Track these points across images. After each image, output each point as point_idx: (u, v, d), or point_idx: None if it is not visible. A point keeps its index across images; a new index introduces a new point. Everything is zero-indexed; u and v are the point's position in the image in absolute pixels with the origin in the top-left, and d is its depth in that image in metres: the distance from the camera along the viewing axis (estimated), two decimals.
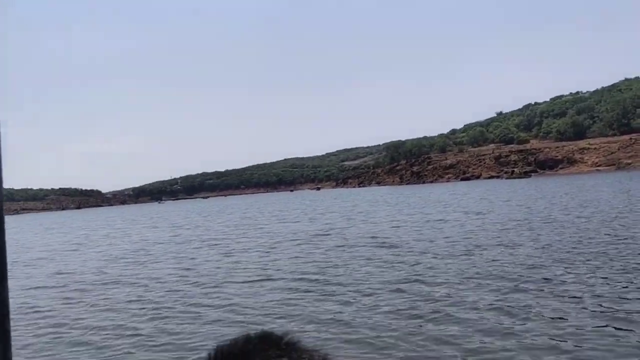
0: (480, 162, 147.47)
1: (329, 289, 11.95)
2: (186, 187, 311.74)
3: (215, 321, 9.88)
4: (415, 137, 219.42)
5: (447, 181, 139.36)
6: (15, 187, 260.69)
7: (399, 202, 53.07)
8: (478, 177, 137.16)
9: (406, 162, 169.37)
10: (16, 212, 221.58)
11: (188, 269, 17.28)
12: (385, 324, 8.75)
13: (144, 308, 11.57)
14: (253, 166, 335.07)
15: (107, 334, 9.63)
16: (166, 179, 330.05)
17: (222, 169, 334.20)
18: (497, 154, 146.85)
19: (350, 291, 11.48)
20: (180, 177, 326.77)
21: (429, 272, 12.93)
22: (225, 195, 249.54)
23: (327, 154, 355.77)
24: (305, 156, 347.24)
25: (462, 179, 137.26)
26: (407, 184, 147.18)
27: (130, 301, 12.57)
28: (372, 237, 21.85)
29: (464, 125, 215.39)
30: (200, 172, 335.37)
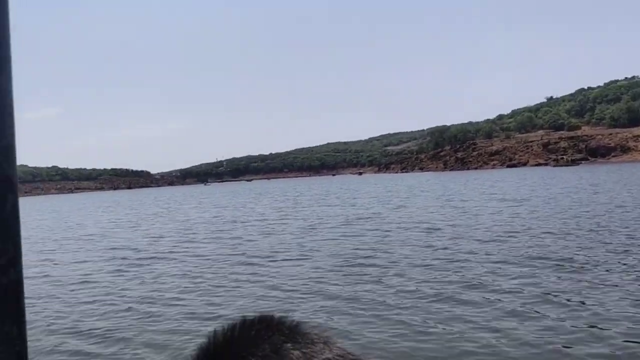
0: (527, 148, 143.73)
1: (363, 269, 12.35)
2: (231, 169, 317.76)
3: (253, 295, 10.46)
4: (460, 122, 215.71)
5: (492, 168, 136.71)
6: (70, 167, 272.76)
7: (442, 188, 52.76)
8: (525, 165, 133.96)
9: (450, 148, 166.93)
10: (70, 191, 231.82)
11: (232, 246, 18.05)
12: (416, 305, 9.09)
13: (188, 281, 12.29)
14: (296, 150, 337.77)
15: (151, 303, 10.35)
16: (212, 161, 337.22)
17: (267, 153, 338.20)
18: (546, 141, 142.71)
19: (384, 271, 11.84)
20: (226, 160, 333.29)
21: (464, 256, 13.11)
22: (269, 179, 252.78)
23: (370, 138, 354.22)
24: (348, 141, 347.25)
25: (508, 166, 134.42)
26: (450, 170, 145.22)
27: (174, 275, 13.34)
28: (413, 222, 22.08)
29: (512, 111, 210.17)
30: (245, 155, 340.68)
